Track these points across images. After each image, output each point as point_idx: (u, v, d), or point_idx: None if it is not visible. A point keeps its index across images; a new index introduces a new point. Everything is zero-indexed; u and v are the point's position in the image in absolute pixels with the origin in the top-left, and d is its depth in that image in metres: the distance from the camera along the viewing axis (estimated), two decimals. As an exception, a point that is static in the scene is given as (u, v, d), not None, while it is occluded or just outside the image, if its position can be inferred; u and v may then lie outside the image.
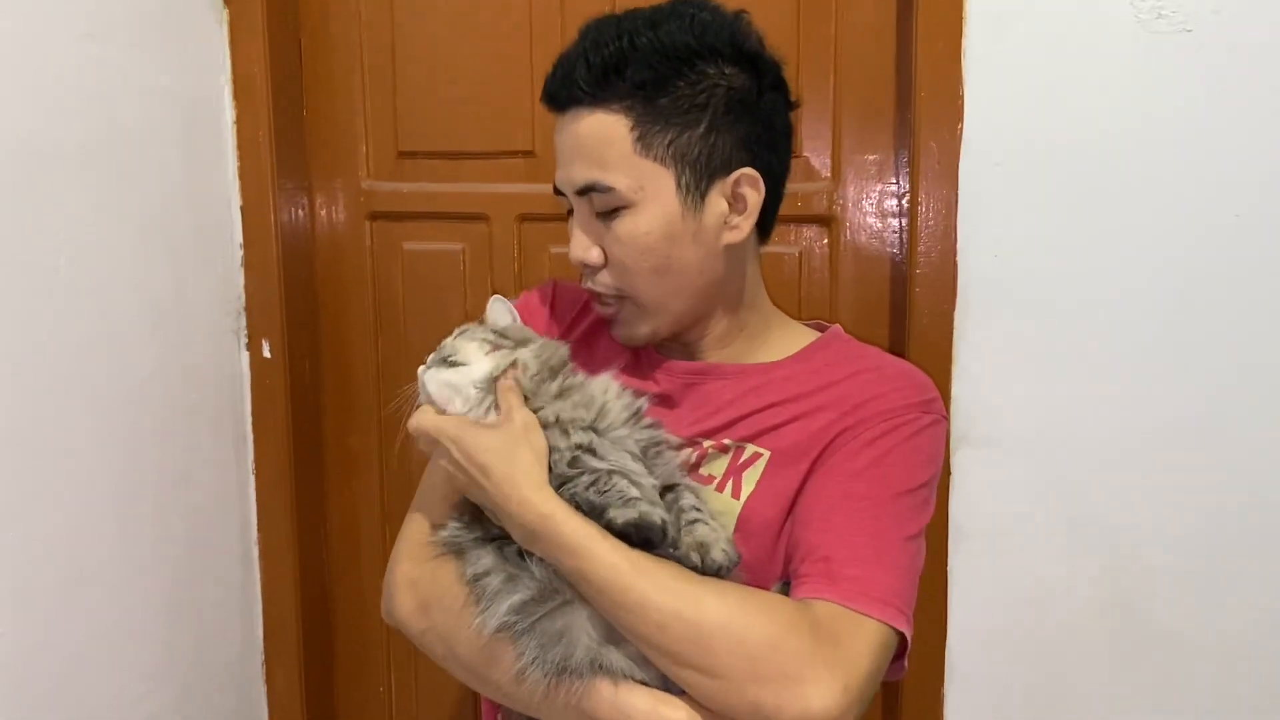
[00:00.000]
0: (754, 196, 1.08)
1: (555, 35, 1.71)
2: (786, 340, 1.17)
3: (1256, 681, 1.56)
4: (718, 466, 1.08)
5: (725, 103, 1.05)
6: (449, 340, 1.07)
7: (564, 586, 0.96)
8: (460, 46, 1.76)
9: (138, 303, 1.56)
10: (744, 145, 1.07)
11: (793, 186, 1.67)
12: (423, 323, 1.85)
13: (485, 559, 1.00)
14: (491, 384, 1.02)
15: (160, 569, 1.62)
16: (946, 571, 1.59)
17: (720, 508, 1.04)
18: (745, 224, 1.09)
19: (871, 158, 1.68)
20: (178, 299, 1.65)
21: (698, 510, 0.99)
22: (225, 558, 1.79)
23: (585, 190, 1.05)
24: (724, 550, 0.95)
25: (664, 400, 1.13)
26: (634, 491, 0.95)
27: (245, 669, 1.84)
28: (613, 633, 0.95)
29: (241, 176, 1.77)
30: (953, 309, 1.56)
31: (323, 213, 1.87)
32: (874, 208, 1.69)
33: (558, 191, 1.10)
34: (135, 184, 1.55)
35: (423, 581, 1.05)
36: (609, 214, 1.05)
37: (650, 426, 1.04)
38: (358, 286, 1.88)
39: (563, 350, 1.07)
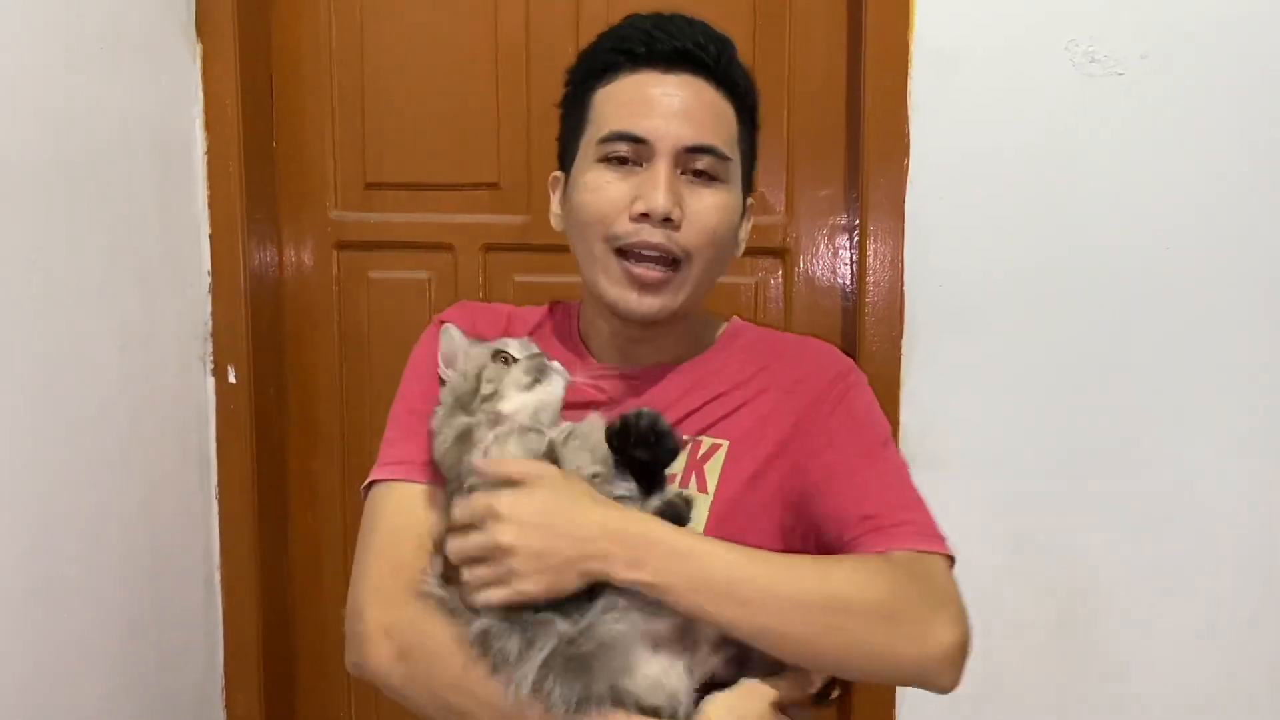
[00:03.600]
0: (748, 222, 1.20)
1: (521, 71, 1.79)
2: (706, 333, 1.23)
3: (1201, 698, 1.62)
4: (676, 463, 1.10)
5: (757, 134, 1.17)
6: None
7: (580, 636, 0.93)
8: (427, 81, 1.82)
9: (105, 326, 1.58)
10: (754, 171, 1.19)
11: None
12: (387, 350, 1.88)
13: (485, 619, 0.95)
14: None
15: (122, 591, 1.62)
16: (897, 590, 1.63)
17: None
18: (743, 243, 1.19)
19: (823, 193, 1.75)
20: (145, 323, 1.67)
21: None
22: (187, 581, 1.80)
23: (702, 150, 1.07)
24: None
25: (611, 406, 1.14)
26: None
27: (206, 692, 1.84)
28: (628, 663, 0.94)
29: (211, 205, 1.80)
30: (901, 336, 1.63)
31: (290, 242, 1.91)
32: (826, 240, 1.76)
33: (626, 138, 1.07)
34: (107, 210, 1.58)
35: (399, 627, 1.01)
36: (702, 182, 1.08)
37: None
38: (324, 314, 1.91)
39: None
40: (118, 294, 1.61)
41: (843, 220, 1.75)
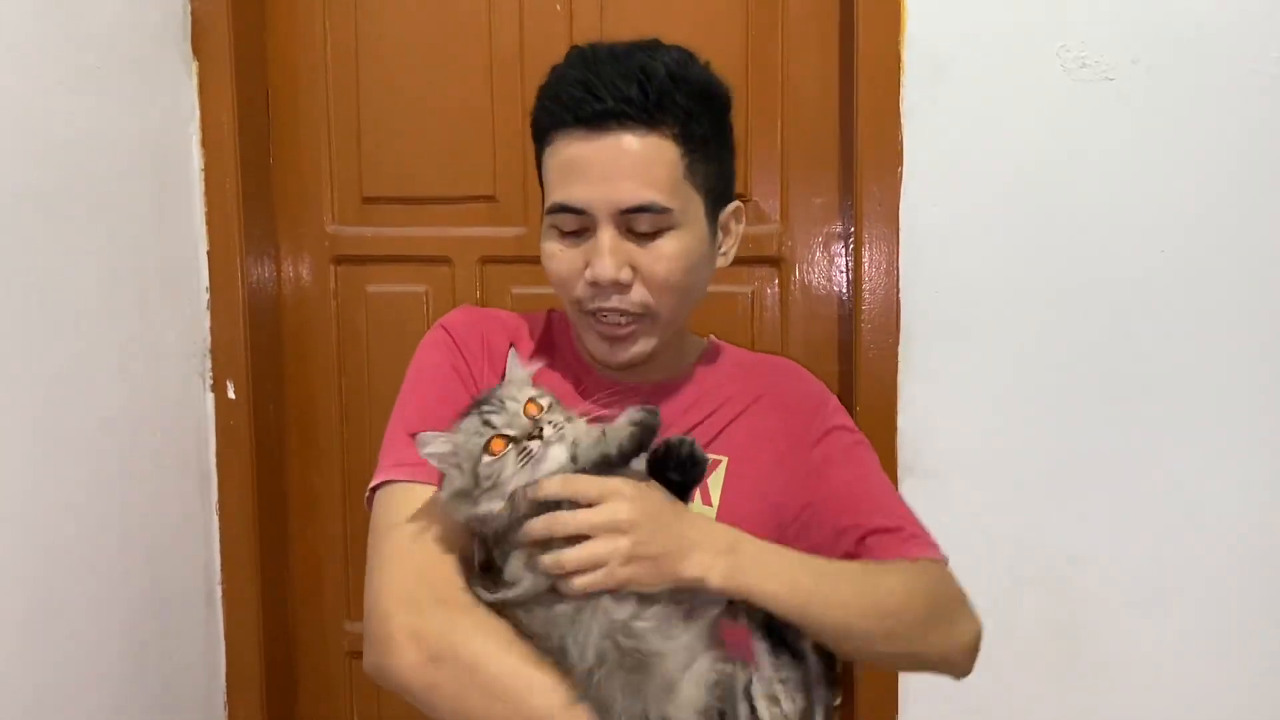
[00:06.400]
0: (737, 227, 1.20)
1: (515, 83, 1.79)
2: (688, 349, 1.27)
3: (1205, 705, 1.62)
4: None
5: (729, 141, 1.16)
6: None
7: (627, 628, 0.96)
8: (423, 95, 1.83)
9: (105, 344, 1.59)
10: (731, 180, 1.18)
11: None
12: (386, 363, 1.89)
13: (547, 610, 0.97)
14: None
15: (124, 607, 1.63)
16: (897, 597, 1.64)
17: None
18: (731, 252, 1.20)
19: (818, 201, 1.76)
20: (145, 341, 1.68)
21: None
22: (189, 597, 1.80)
23: (638, 210, 1.06)
24: None
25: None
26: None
27: (208, 708, 1.84)
28: (674, 688, 0.96)
29: (209, 222, 1.81)
30: (897, 344, 1.64)
31: (288, 257, 1.91)
32: (821, 249, 1.77)
33: (565, 210, 1.08)
34: (105, 229, 1.59)
35: (429, 633, 0.99)
36: (649, 235, 1.08)
37: None
38: (322, 329, 1.92)
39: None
40: (117, 311, 1.62)
41: (838, 228, 1.76)
